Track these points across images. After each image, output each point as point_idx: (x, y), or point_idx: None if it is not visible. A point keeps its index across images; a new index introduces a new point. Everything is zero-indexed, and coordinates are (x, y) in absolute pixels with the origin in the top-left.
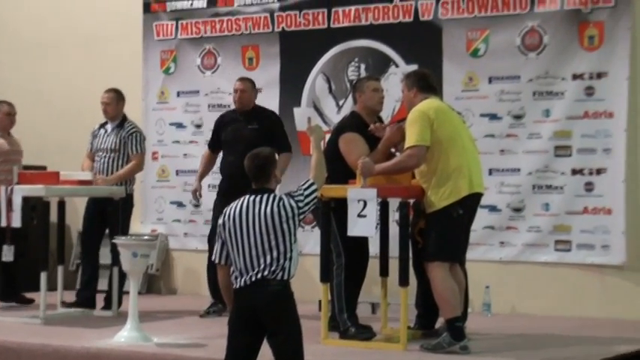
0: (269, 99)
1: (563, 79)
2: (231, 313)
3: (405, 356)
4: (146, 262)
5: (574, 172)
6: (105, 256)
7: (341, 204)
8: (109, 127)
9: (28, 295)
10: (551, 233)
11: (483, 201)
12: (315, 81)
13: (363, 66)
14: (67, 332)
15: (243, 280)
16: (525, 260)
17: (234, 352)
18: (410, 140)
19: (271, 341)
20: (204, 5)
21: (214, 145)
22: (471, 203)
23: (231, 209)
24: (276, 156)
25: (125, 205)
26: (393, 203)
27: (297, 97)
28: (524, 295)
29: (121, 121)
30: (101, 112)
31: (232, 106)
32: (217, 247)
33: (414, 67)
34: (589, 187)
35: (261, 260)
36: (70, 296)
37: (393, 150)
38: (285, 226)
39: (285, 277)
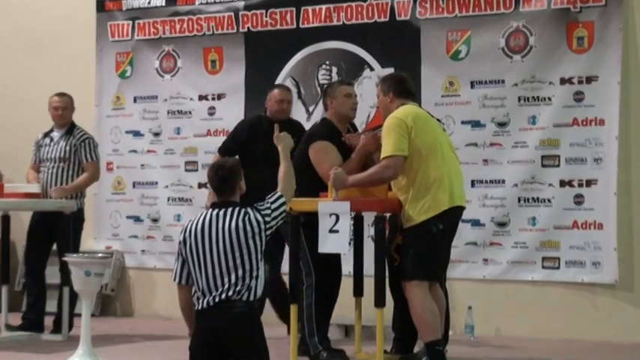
0: (233, 105)
1: (551, 83)
2: (193, 336)
3: None
4: (100, 282)
5: (562, 183)
6: (53, 275)
7: (311, 218)
8: (55, 134)
9: None
10: (538, 250)
11: (465, 215)
12: None
13: (334, 69)
14: (12, 358)
15: (205, 301)
16: (511, 279)
17: None
18: (386, 150)
19: None
20: (163, 3)
21: (230, 152)
22: (451, 217)
23: (192, 224)
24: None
25: (75, 220)
26: (368, 218)
27: (263, 103)
28: (510, 316)
29: (70, 128)
30: (49, 120)
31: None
32: (177, 265)
33: (389, 71)
34: (579, 199)
35: (226, 279)
36: (16, 319)
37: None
38: (251, 242)
39: (252, 298)
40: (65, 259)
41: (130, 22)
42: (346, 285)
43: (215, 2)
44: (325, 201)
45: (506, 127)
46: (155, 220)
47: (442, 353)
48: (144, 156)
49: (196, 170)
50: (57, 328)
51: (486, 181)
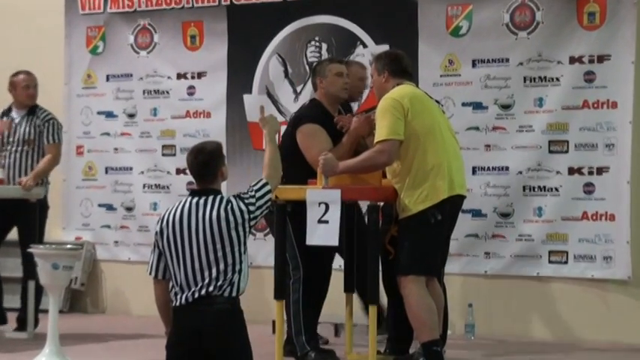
0: (215, 84)
1: (559, 62)
2: (170, 335)
3: None
4: (69, 275)
5: (571, 171)
6: (15, 269)
7: (299, 208)
8: (15, 115)
9: None
10: (544, 243)
11: (466, 204)
12: (269, 63)
13: (324, 46)
14: None
15: (184, 297)
16: (514, 274)
17: None
18: (380, 133)
19: None
20: None
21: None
22: (451, 207)
23: (169, 214)
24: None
25: (41, 208)
26: (361, 207)
27: (247, 82)
28: (514, 314)
29: (32, 108)
30: (10, 102)
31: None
32: (153, 258)
33: (384, 48)
34: (589, 188)
35: (206, 274)
36: None
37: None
38: (233, 233)
39: (234, 294)
40: (31, 250)
41: None
42: (336, 280)
43: None
44: (314, 189)
45: (511, 109)
46: (129, 209)
47: (440, 354)
48: (117, 139)
49: (174, 155)
50: (21, 326)
51: (489, 168)
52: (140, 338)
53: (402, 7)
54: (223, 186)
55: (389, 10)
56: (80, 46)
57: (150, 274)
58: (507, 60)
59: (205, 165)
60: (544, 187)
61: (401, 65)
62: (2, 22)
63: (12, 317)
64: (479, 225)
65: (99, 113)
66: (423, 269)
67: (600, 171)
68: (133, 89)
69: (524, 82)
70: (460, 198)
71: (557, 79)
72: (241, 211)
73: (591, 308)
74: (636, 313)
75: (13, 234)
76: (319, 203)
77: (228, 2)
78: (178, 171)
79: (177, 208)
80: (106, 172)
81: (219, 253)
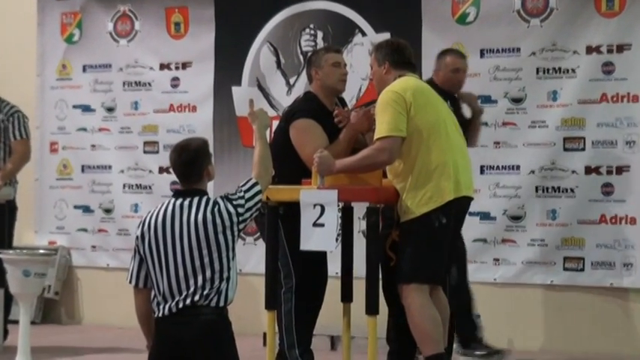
0: (201, 75)
1: (575, 52)
2: (152, 348)
3: None
4: (41, 283)
5: (588, 170)
6: None
7: (292, 210)
8: None
9: None
10: (559, 248)
11: (473, 206)
12: (260, 53)
13: (320, 34)
14: None
15: (167, 307)
16: (526, 282)
17: None
18: (380, 129)
19: None
20: None
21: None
22: (457, 210)
23: (151, 217)
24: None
25: (10, 210)
26: (359, 209)
27: (236, 73)
28: (525, 326)
29: None
30: None
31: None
32: (133, 264)
33: (385, 37)
34: (607, 189)
35: (191, 282)
36: None
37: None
38: (221, 237)
39: (222, 304)
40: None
41: None
42: (332, 288)
43: None
44: (308, 189)
45: (522, 103)
46: (108, 211)
47: None
48: (95, 135)
49: (157, 152)
50: None
51: (498, 167)
52: (119, 352)
53: None
54: (210, 186)
55: None
56: (54, 33)
57: (130, 282)
58: (518, 50)
59: (190, 163)
60: (558, 187)
61: (403, 55)
62: None
63: None
64: (487, 229)
65: (75, 107)
66: (426, 277)
67: (620, 170)
68: (112, 81)
69: (537, 73)
70: (467, 200)
71: (573, 71)
72: (229, 213)
73: (610, 319)
74: None
75: None
76: (314, 205)
77: None
78: (161, 170)
79: (159, 210)
80: (83, 170)
81: (206, 260)
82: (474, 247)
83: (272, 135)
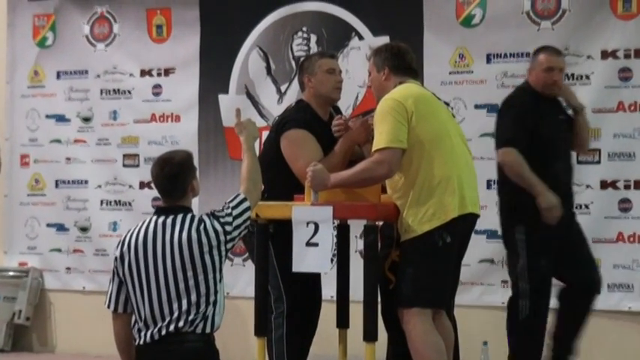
0: (185, 82)
1: (589, 57)
2: None
3: None
4: (11, 308)
5: (604, 185)
6: None
7: (283, 228)
8: None
9: None
10: None
11: (480, 224)
12: (249, 58)
13: (313, 38)
14: None
15: (149, 333)
16: None
17: None
18: (379, 140)
19: None
20: None
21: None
22: (462, 228)
23: (131, 236)
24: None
25: None
26: (356, 227)
27: (223, 80)
28: None
29: None
30: None
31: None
32: (112, 288)
33: (384, 40)
34: (625, 205)
35: (175, 306)
36: None
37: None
38: (207, 258)
39: (208, 330)
40: None
41: None
42: (327, 313)
43: None
44: (301, 206)
45: None
46: (84, 230)
47: None
48: (70, 147)
49: (137, 166)
50: None
51: None
52: None
53: None
54: (194, 203)
55: None
56: (25, 37)
57: (108, 306)
58: (528, 54)
59: (173, 178)
60: None
61: (404, 60)
62: None
63: None
64: (495, 248)
65: (48, 117)
66: (429, 301)
67: (638, 185)
68: (88, 88)
69: None
70: (473, 217)
71: (587, 77)
72: (216, 231)
73: (629, 346)
74: None
75: None
76: (307, 223)
77: None
78: (142, 185)
79: (140, 228)
80: (57, 185)
81: (191, 282)
82: (481, 269)
83: (261, 147)
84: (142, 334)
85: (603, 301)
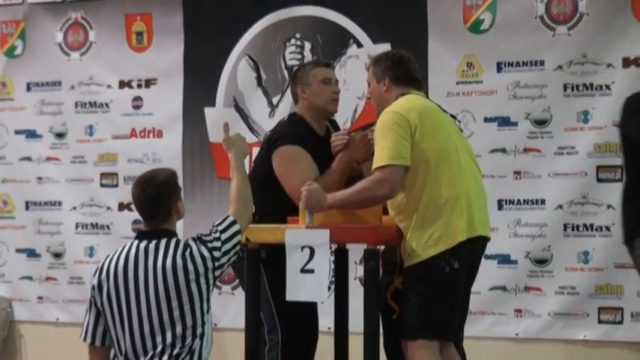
0: (167, 94)
1: (610, 65)
2: None
3: None
4: None
5: None
6: None
7: (276, 253)
8: None
9: None
10: (592, 297)
11: (490, 248)
12: (237, 68)
13: (308, 45)
14: None
15: None
16: (554, 337)
17: None
18: (380, 157)
19: None
20: None
21: None
22: (471, 252)
23: (110, 262)
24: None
25: None
26: (355, 252)
27: (209, 92)
28: None
29: None
30: None
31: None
32: (89, 319)
33: (385, 48)
34: None
35: (158, 339)
36: None
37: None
38: (193, 286)
39: None
40: None
41: None
42: (325, 346)
43: None
44: (295, 229)
45: (547, 125)
46: (58, 255)
47: None
48: (42, 165)
49: (116, 185)
50: None
51: (519, 202)
52: None
53: None
54: (179, 226)
55: (390, 0)
56: None
57: (84, 339)
58: (542, 63)
59: (156, 199)
60: (591, 225)
61: (406, 70)
62: None
63: None
64: (507, 274)
65: (17, 132)
66: (435, 332)
67: None
68: (61, 101)
69: (565, 90)
70: (483, 240)
71: (608, 87)
72: (203, 258)
73: None
74: None
75: None
76: (302, 247)
77: None
78: (121, 206)
79: (120, 254)
80: (27, 207)
81: (176, 313)
82: (492, 297)
83: (252, 164)
84: None
85: (627, 331)
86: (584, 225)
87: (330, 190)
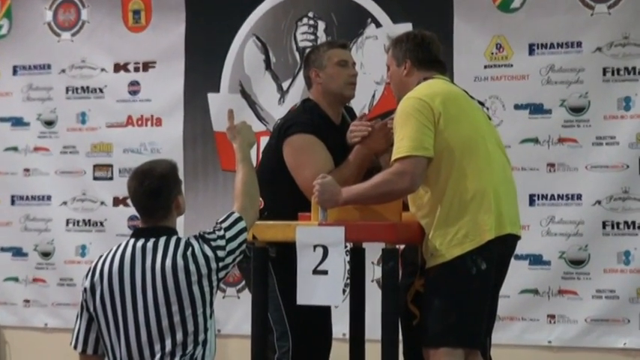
0: (168, 78)
1: None
2: None
3: None
4: None
5: None
6: None
7: (286, 252)
8: None
9: None
10: (633, 301)
11: (521, 247)
12: (244, 50)
13: (321, 25)
14: None
15: None
16: (591, 345)
17: None
18: (400, 148)
19: None
20: None
21: None
22: (499, 252)
23: (104, 263)
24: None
25: None
26: (372, 251)
27: (212, 75)
28: None
29: None
30: None
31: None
32: (80, 325)
33: (406, 28)
34: None
35: (157, 347)
36: None
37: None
38: (195, 289)
39: None
40: None
41: None
42: (339, 353)
43: None
44: (307, 226)
45: (584, 113)
46: (46, 255)
47: None
48: (29, 156)
49: (110, 178)
50: None
51: (553, 197)
52: None
53: None
54: (179, 223)
55: None
56: None
57: (75, 347)
58: (579, 44)
59: (155, 193)
60: (632, 222)
61: (429, 52)
62: None
63: None
64: (539, 276)
65: (2, 120)
66: (460, 339)
67: None
68: (51, 86)
69: (604, 75)
70: (512, 238)
71: None
72: (206, 257)
73: None
74: None
75: None
76: (315, 246)
77: None
78: (116, 201)
79: (115, 254)
80: (13, 202)
81: (176, 318)
82: (522, 301)
83: (259, 156)
84: None
85: None
86: (625, 222)
87: (346, 185)
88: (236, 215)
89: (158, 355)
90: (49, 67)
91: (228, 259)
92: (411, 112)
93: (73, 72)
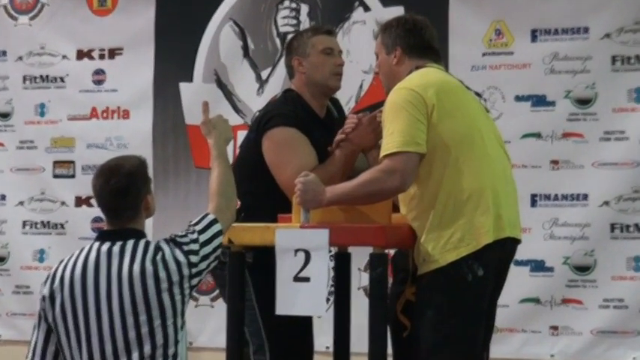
0: (136, 66)
1: None
2: None
3: None
4: None
5: None
6: None
7: (264, 257)
8: None
9: None
10: None
11: (521, 252)
12: (219, 36)
13: (305, 9)
14: None
15: None
16: (598, 359)
17: None
18: (390, 143)
19: None
20: None
21: None
22: (498, 257)
23: (65, 269)
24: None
25: None
26: (359, 256)
27: (185, 64)
28: None
29: None
30: None
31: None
32: (37, 336)
33: (397, 12)
34: None
35: None
36: None
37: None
38: (165, 297)
39: None
40: None
41: None
42: None
43: None
44: (287, 228)
45: (591, 106)
46: (1, 260)
47: None
48: None
49: (72, 176)
50: None
51: (557, 197)
52: None
53: None
54: (148, 225)
55: None
56: None
57: None
58: (586, 30)
59: (122, 193)
60: None
61: (422, 38)
62: None
63: None
64: (541, 284)
65: None
66: (455, 353)
67: None
68: (7, 75)
69: (613, 63)
70: (512, 242)
71: None
72: (178, 263)
73: None
74: None
75: None
76: (296, 251)
77: None
78: (79, 201)
79: (77, 259)
80: None
81: (144, 329)
82: (523, 311)
83: (237, 151)
84: None
85: None
86: (635, 225)
87: (331, 183)
88: (211, 217)
89: None
90: (4, 53)
91: (202, 265)
92: (402, 104)
93: (32, 59)
